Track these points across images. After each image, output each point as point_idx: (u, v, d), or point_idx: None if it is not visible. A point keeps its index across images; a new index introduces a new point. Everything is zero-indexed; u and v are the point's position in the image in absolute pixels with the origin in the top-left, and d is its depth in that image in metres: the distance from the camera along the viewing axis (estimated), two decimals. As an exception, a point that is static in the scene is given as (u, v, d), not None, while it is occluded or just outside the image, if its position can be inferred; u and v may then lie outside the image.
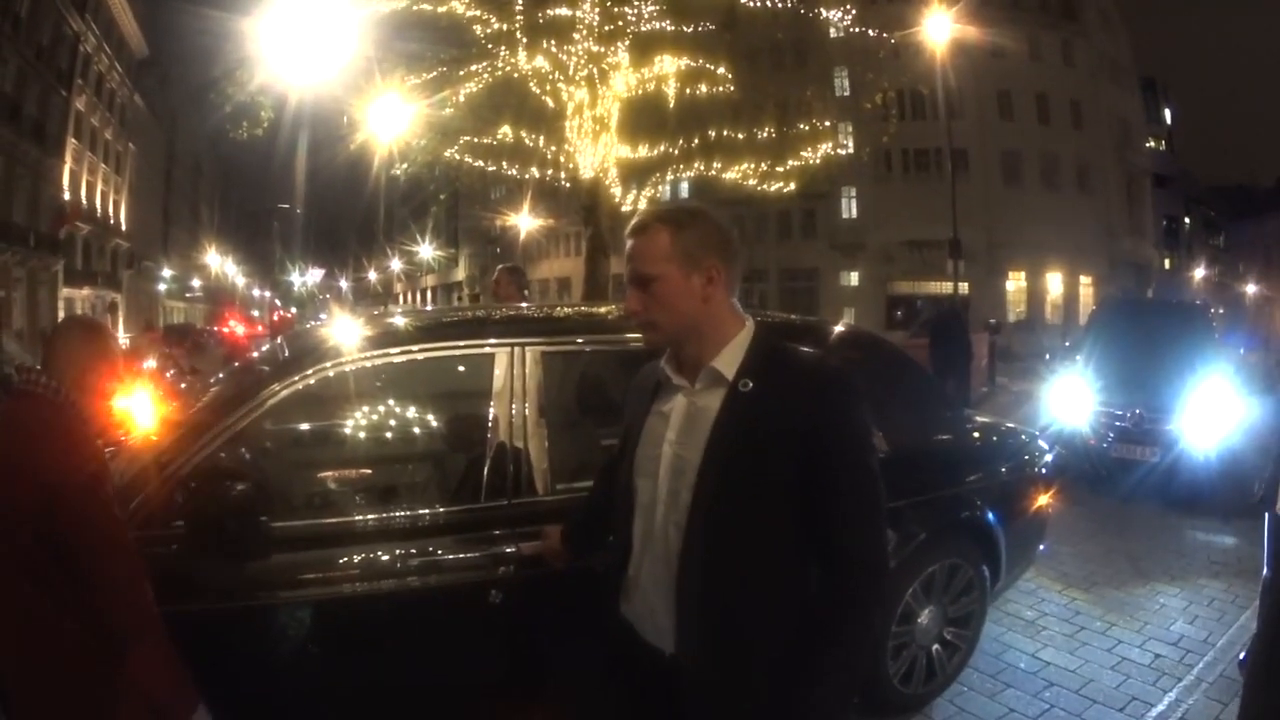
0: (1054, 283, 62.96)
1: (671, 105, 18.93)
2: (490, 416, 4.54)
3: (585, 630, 3.29)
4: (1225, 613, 7.86)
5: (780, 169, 20.09)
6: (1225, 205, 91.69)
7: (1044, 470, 6.83)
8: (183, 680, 3.51)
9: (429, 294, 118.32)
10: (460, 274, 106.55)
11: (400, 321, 5.02)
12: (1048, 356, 18.71)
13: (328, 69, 17.47)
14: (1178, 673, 6.64)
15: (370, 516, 4.38)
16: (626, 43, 17.59)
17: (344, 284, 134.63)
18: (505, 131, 18.77)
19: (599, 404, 5.18)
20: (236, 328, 59.44)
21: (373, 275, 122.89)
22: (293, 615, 4.02)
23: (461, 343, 4.77)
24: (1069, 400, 13.40)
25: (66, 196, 58.35)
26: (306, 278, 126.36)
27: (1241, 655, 5.12)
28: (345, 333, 4.81)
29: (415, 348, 4.60)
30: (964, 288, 40.56)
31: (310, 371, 4.35)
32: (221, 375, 6.08)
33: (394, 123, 19.31)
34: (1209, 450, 11.62)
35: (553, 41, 17.24)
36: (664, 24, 17.64)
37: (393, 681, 4.18)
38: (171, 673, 3.46)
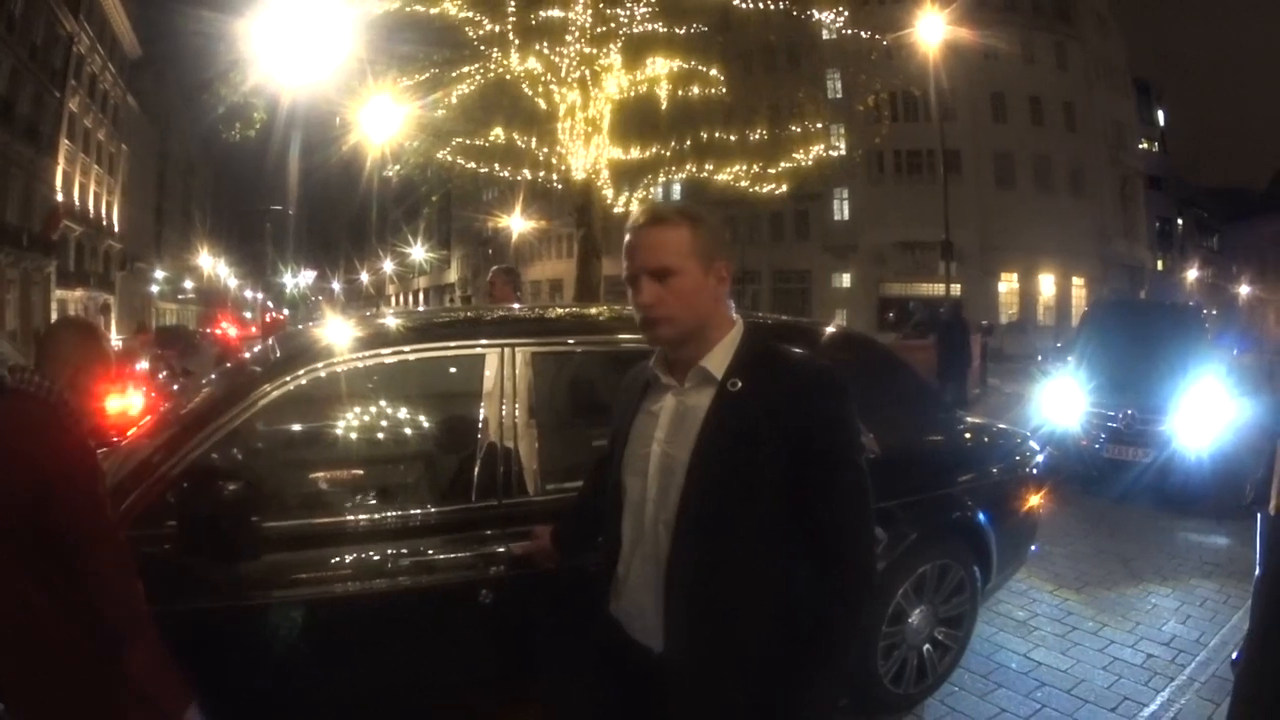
0: (1046, 284, 63.06)
1: (664, 107, 18.92)
2: (481, 417, 4.54)
3: (575, 630, 3.30)
4: (1218, 613, 7.88)
5: (772, 170, 20.09)
6: (1218, 207, 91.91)
7: (1035, 471, 6.83)
8: (176, 678, 3.51)
9: (421, 296, 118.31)
10: (453, 276, 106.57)
11: (391, 322, 5.02)
12: (1040, 358, 18.71)
13: (320, 70, 17.46)
14: (1170, 673, 6.65)
15: (361, 516, 4.38)
16: (619, 44, 17.60)
17: (336, 286, 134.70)
18: (497, 133, 18.76)
19: (590, 404, 5.19)
20: (229, 329, 59.44)
21: (365, 277, 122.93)
22: (284, 615, 4.01)
23: (452, 343, 4.77)
24: (1061, 401, 13.42)
25: (60, 198, 58.25)
26: (299, 279, 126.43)
27: (1234, 655, 5.13)
28: (336, 333, 4.82)
29: (406, 348, 4.60)
30: (956, 289, 40.69)
31: (301, 372, 4.34)
32: (213, 376, 6.08)
33: (386, 124, 19.28)
34: (1201, 451, 11.66)
35: (545, 43, 17.25)
36: (656, 26, 17.65)
37: (383, 681, 4.18)
38: (164, 670, 3.47)
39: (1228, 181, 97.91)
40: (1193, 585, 8.64)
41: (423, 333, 4.88)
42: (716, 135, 19.63)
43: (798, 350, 3.07)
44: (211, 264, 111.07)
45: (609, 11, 17.20)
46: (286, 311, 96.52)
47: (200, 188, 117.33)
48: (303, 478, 5.09)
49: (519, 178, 21.15)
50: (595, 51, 17.41)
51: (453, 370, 4.86)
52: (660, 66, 18.23)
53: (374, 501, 4.81)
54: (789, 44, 21.81)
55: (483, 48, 17.71)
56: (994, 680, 6.47)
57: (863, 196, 62.27)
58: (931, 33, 30.08)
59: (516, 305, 9.13)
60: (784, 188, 20.84)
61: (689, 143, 19.70)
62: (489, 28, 17.38)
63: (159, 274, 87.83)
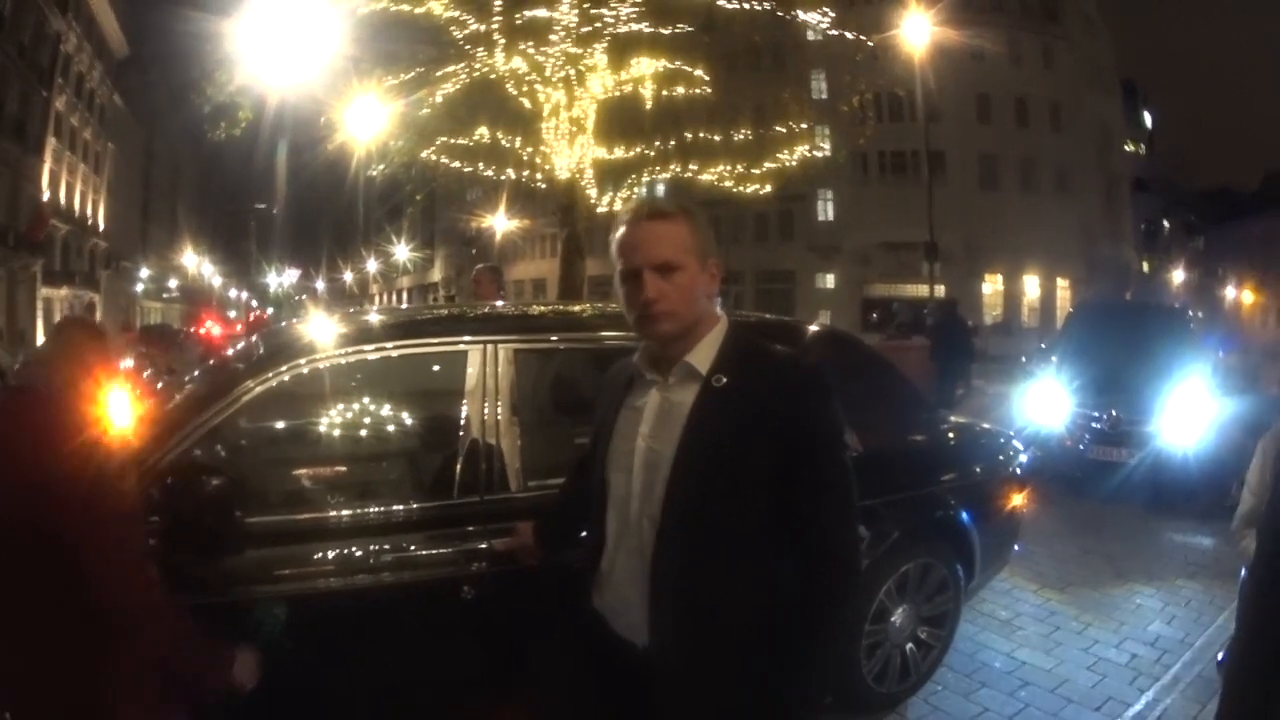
0: (1031, 286, 63.24)
1: (648, 107, 18.87)
2: (464, 413, 4.54)
3: (558, 626, 3.29)
4: (1203, 613, 7.91)
5: (757, 171, 20.06)
6: (1205, 208, 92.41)
7: (1019, 470, 6.85)
8: (205, 646, 3.53)
9: (405, 295, 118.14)
10: (436, 275, 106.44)
11: (374, 318, 5.03)
12: (1024, 358, 18.77)
13: (306, 69, 17.41)
14: (1155, 673, 6.68)
15: (344, 512, 4.38)
16: (604, 44, 17.57)
17: (320, 285, 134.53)
18: (482, 132, 18.71)
19: (573, 401, 5.19)
20: (213, 328, 59.28)
21: (349, 276, 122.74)
22: (267, 610, 4.00)
23: (435, 340, 4.77)
24: (1046, 402, 13.45)
25: (46, 196, 58.12)
26: (283, 278, 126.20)
27: (1219, 656, 5.14)
28: (320, 329, 4.81)
29: (389, 344, 4.60)
30: (940, 290, 40.74)
31: (285, 368, 4.34)
32: (196, 372, 6.07)
33: (371, 123, 19.27)
34: (1186, 452, 11.68)
35: (530, 43, 17.20)
36: (642, 26, 17.62)
37: (365, 676, 4.18)
38: (190, 644, 3.48)
39: (1214, 183, 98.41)
40: (1178, 585, 8.67)
41: (406, 329, 4.89)
42: (701, 135, 19.60)
43: (781, 347, 3.07)
44: (196, 263, 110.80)
45: (594, 11, 17.17)
46: (270, 310, 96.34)
47: (186, 187, 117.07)
48: (286, 473, 5.10)
49: (503, 177, 21.09)
50: (581, 51, 17.37)
51: (436, 367, 4.88)
52: (645, 66, 18.18)
53: (357, 497, 4.81)
54: (774, 44, 21.70)
55: (468, 47, 17.65)
56: (978, 679, 6.49)
57: (847, 197, 62.42)
58: (917, 33, 30.19)
59: (500, 302, 9.17)
60: (768, 188, 20.81)
61: (673, 142, 19.68)
62: (474, 27, 17.33)
63: (144, 273, 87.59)
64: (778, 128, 20.07)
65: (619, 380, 3.10)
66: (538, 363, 5.08)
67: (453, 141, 19.14)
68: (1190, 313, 16.29)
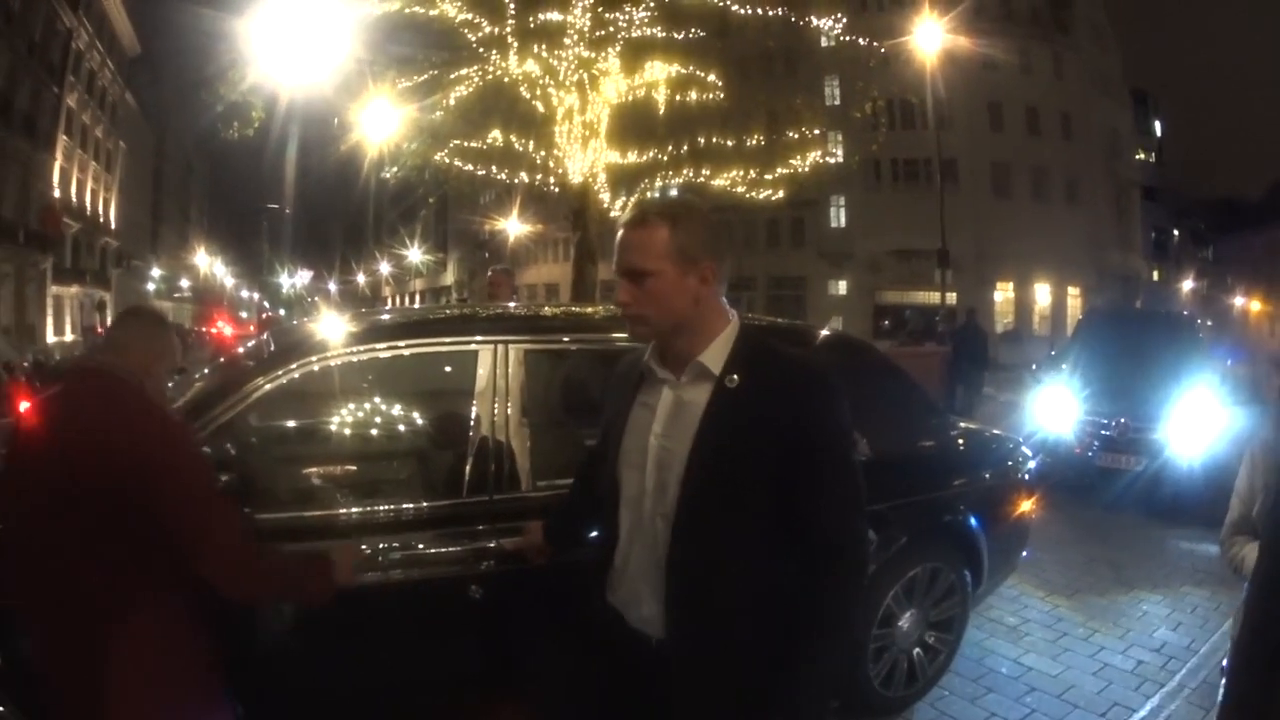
0: (1042, 294, 63.01)
1: (661, 111, 18.83)
2: (474, 412, 4.55)
3: (566, 625, 3.30)
4: (1209, 620, 7.89)
5: (769, 176, 20.02)
6: (1214, 218, 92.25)
7: (1027, 477, 6.85)
8: (298, 566, 3.66)
9: (417, 298, 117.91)
10: (449, 278, 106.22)
11: (386, 317, 5.04)
12: (1034, 366, 18.73)
13: (319, 70, 17.43)
14: (1160, 679, 6.67)
15: (353, 510, 4.40)
16: (617, 48, 17.57)
17: (332, 286, 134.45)
18: (495, 136, 18.67)
19: (583, 402, 5.18)
20: (224, 328, 59.43)
21: (361, 278, 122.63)
22: (274, 607, 4.02)
23: (446, 339, 4.79)
24: (1055, 409, 13.44)
25: (57, 194, 58.19)
26: (295, 279, 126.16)
27: (1224, 663, 5.15)
28: (331, 327, 4.83)
29: (401, 343, 4.61)
30: (952, 298, 40.61)
31: (295, 366, 4.35)
32: (207, 370, 6.08)
33: (384, 125, 19.27)
34: (1194, 460, 11.66)
35: (543, 46, 17.21)
36: (655, 30, 17.61)
37: (374, 675, 4.19)
38: (288, 569, 3.62)
39: (1224, 192, 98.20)
40: (1184, 592, 8.65)
41: (417, 328, 4.92)
42: (714, 140, 19.55)
43: (792, 348, 3.08)
44: (208, 263, 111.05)
45: (608, 16, 17.17)
46: (282, 311, 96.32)
47: (198, 186, 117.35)
48: (295, 471, 5.09)
49: (516, 181, 21.08)
50: (594, 55, 17.39)
51: (446, 366, 4.88)
52: (658, 71, 18.19)
53: (367, 495, 4.82)
54: (787, 50, 21.67)
55: (481, 50, 17.67)
56: (984, 685, 6.49)
57: (859, 204, 62.26)
58: (929, 41, 30.12)
59: (513, 304, 9.21)
60: (780, 194, 20.78)
61: (686, 147, 19.62)
62: (488, 30, 17.35)
63: (155, 272, 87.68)
64: (790, 133, 20.04)
65: (629, 376, 3.12)
66: (548, 363, 5.07)
67: (466, 144, 19.12)
68: (1199, 321, 16.25)
